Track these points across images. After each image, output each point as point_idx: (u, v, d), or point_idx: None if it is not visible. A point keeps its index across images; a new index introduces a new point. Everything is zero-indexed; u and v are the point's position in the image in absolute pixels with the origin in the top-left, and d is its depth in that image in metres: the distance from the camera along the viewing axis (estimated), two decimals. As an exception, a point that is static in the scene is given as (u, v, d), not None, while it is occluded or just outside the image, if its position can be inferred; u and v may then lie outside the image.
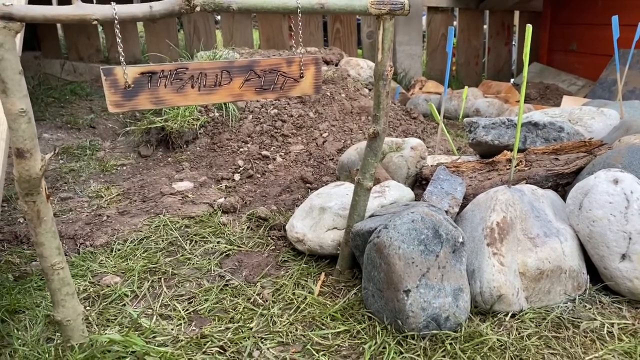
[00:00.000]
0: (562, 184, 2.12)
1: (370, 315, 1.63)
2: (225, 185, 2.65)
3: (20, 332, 1.57)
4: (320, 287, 1.82)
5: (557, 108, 3.23)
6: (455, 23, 6.12)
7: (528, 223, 1.77)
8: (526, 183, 2.07)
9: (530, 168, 2.14)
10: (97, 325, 1.60)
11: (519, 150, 2.34)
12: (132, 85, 1.39)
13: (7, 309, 1.66)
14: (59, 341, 1.52)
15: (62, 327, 1.47)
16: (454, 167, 2.15)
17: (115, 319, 1.64)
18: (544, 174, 2.10)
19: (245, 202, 2.49)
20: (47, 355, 1.46)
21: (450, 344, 1.48)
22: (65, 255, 1.92)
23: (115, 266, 1.93)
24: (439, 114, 2.58)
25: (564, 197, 2.03)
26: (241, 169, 2.78)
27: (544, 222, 1.80)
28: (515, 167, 2.12)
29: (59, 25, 5.35)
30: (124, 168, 2.94)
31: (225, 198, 2.48)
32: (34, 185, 1.32)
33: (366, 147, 1.75)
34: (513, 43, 6.44)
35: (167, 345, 1.50)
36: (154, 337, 1.54)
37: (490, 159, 2.20)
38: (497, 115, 4.16)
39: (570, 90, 5.41)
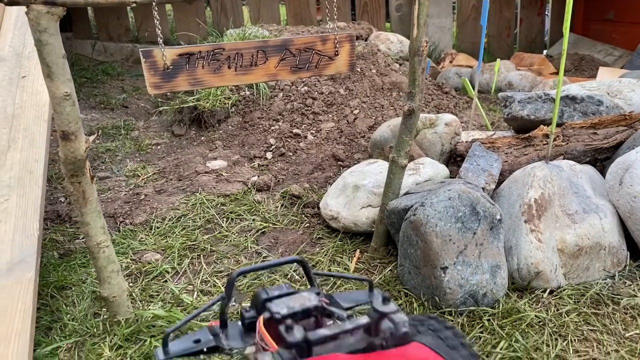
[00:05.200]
0: (600, 159, 2.08)
1: (406, 291, 1.65)
2: (258, 164, 2.67)
3: (68, 308, 1.64)
4: (356, 264, 1.84)
5: (594, 80, 3.15)
6: (486, -7, 5.96)
7: (566, 199, 1.74)
8: (563, 158, 2.03)
9: (568, 143, 2.10)
10: (140, 301, 1.66)
11: (556, 125, 2.29)
12: (171, 67, 1.41)
13: (55, 285, 1.73)
14: (105, 316, 1.58)
15: (109, 303, 1.53)
16: (489, 143, 2.12)
17: (157, 295, 1.69)
18: (582, 149, 2.06)
19: (278, 180, 2.51)
20: (95, 330, 1.52)
21: (488, 320, 1.49)
22: (107, 233, 1.98)
23: (155, 243, 1.98)
24: (472, 88, 2.54)
25: (601, 172, 1.99)
26: (273, 147, 2.80)
27: (583, 198, 1.78)
28: (553, 142, 2.08)
29: (88, 5, 5.40)
30: (159, 147, 2.98)
31: (258, 176, 2.50)
32: (79, 167, 1.36)
33: (401, 124, 1.74)
34: (546, 13, 6.25)
35: (209, 320, 1.54)
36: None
37: (526, 134, 2.17)
38: (530, 89, 4.07)
39: (606, 61, 5.25)
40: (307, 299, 0.97)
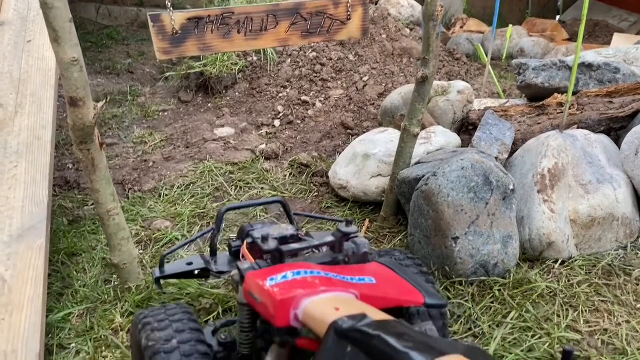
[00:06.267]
0: (615, 128, 2.04)
1: (416, 261, 1.64)
2: (266, 132, 2.64)
3: (79, 274, 1.64)
4: (365, 233, 1.83)
5: (610, 47, 3.07)
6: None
7: (580, 169, 1.72)
8: (578, 127, 2.00)
9: (583, 112, 2.06)
10: (151, 268, 1.66)
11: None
12: (180, 32, 1.37)
13: (65, 252, 1.73)
14: (116, 283, 1.58)
15: (119, 270, 1.53)
16: (502, 112, 2.08)
17: (167, 262, 1.68)
18: (597, 118, 2.02)
19: (287, 149, 2.49)
20: (106, 296, 1.53)
21: (499, 290, 1.49)
22: (116, 200, 1.97)
23: (164, 211, 1.98)
24: (485, 54, 2.48)
25: (616, 142, 1.96)
26: (281, 114, 2.76)
27: (597, 168, 1.75)
28: (568, 110, 2.04)
29: (92, -33, 5.28)
30: (166, 114, 2.96)
31: (266, 144, 2.48)
32: (87, 134, 1.34)
33: (414, 91, 1.70)
34: (560, -23, 6.08)
35: (220, 288, 1.55)
36: (207, 280, 1.59)
37: (540, 103, 2.13)
38: (542, 55, 3.99)
39: (621, 27, 5.12)
40: (285, 229, 1.13)
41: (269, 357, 0.89)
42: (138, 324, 1.04)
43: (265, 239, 1.02)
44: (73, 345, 1.37)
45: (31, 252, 1.43)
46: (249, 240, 1.09)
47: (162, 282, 1.33)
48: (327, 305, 0.79)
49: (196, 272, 1.27)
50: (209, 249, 1.34)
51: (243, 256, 1.10)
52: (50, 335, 1.38)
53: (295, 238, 1.11)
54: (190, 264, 1.29)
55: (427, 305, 0.92)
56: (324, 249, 1.07)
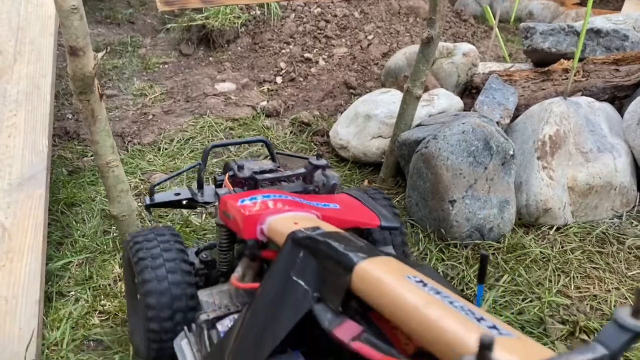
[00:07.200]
0: (620, 96, 2.03)
1: (413, 222, 1.66)
2: (267, 88, 2.62)
3: (78, 224, 1.66)
4: (364, 193, 1.84)
5: (621, 13, 3.01)
6: None
7: (582, 137, 1.71)
8: (582, 95, 1.98)
9: (588, 79, 2.03)
10: (149, 221, 1.68)
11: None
12: (182, -18, 1.34)
13: (65, 202, 1.75)
14: (115, 234, 1.60)
15: (118, 222, 1.54)
16: (506, 76, 2.06)
17: (166, 216, 1.71)
18: (602, 86, 2.00)
19: (288, 106, 2.47)
20: (105, 247, 1.55)
21: (493, 254, 1.51)
22: (116, 152, 1.97)
23: (163, 165, 1.98)
24: (493, 17, 2.43)
25: (620, 110, 1.95)
26: (283, 71, 2.73)
27: (599, 136, 1.74)
28: (573, 77, 2.02)
29: None
30: (166, 66, 2.92)
31: (267, 101, 2.46)
32: (87, 84, 1.32)
33: (418, 52, 1.68)
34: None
35: (217, 243, 1.56)
36: (204, 234, 1.61)
37: (546, 68, 2.10)
38: (551, 19, 3.92)
39: (633, -7, 5.00)
40: (265, 164, 1.21)
41: (239, 267, 0.99)
42: (129, 242, 1.12)
43: (241, 167, 1.12)
44: (72, 293, 1.39)
45: (31, 201, 1.44)
46: (231, 173, 1.18)
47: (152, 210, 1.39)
48: (288, 221, 0.89)
49: (184, 202, 1.35)
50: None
51: (223, 184, 1.20)
52: (50, 283, 1.41)
53: (274, 172, 1.19)
54: (178, 194, 1.37)
55: (382, 227, 1.01)
56: (297, 180, 1.16)
